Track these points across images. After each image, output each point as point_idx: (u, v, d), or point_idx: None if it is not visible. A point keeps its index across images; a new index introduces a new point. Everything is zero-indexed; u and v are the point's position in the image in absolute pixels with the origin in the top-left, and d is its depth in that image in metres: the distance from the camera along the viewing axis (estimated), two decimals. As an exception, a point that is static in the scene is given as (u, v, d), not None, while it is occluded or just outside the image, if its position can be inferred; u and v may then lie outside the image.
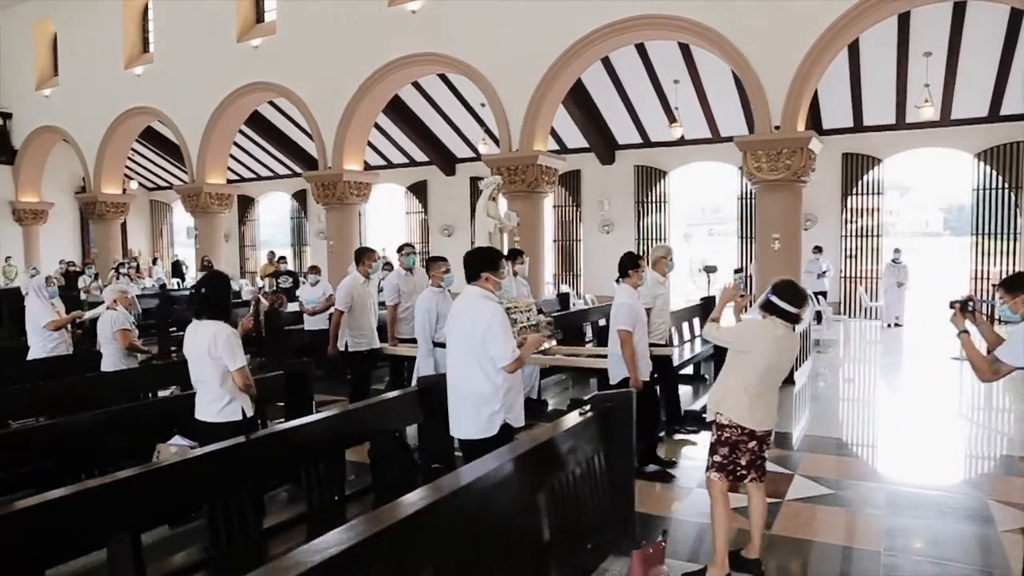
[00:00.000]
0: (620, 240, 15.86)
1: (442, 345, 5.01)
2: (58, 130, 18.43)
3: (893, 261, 13.20)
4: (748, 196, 14.79)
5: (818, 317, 12.74)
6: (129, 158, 20.64)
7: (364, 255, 6.76)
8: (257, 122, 17.70)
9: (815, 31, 10.07)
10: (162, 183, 22.70)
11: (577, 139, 15.94)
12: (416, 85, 15.29)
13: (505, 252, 7.22)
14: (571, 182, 16.71)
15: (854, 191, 14.16)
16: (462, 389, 3.68)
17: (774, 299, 3.49)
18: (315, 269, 9.78)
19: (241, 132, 18.41)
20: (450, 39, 12.68)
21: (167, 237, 23.66)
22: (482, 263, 3.71)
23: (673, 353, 6.70)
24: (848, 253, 14.33)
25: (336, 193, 14.39)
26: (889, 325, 13.13)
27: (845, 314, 14.32)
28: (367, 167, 19.39)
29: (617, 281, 5.27)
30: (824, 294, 12.87)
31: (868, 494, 4.65)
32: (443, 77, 14.59)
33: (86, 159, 17.92)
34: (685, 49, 12.62)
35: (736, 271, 5.19)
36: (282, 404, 5.13)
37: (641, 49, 13.05)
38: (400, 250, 7.71)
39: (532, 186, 12.42)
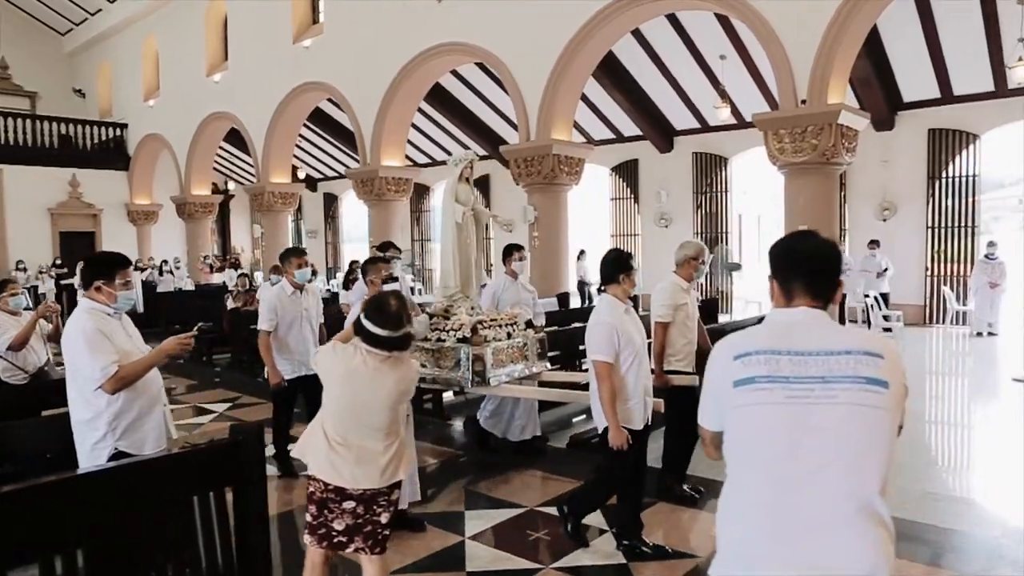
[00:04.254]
0: (678, 234, 14.48)
1: None
2: (160, 137, 19.94)
3: (987, 257, 10.96)
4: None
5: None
6: (226, 159, 22.04)
7: (286, 259, 5.26)
8: (323, 119, 18.06)
9: (845, -16, 8.44)
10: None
11: (633, 127, 14.80)
12: (460, 77, 14.89)
13: (474, 245, 6.23)
14: (628, 172, 15.58)
15: (944, 174, 11.91)
16: (72, 417, 3.19)
17: (361, 318, 2.67)
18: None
19: (315, 132, 18.99)
20: (471, 27, 12.14)
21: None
22: (94, 271, 3.17)
23: (698, 382, 4.89)
24: (936, 247, 12.09)
25: (374, 189, 14.30)
26: (980, 334, 10.90)
27: (932, 320, 12.12)
28: (434, 163, 19.42)
29: (600, 290, 3.88)
30: (885, 297, 10.93)
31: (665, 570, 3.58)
32: (482, 66, 14.04)
33: (179, 163, 19.25)
34: (723, 20, 11.18)
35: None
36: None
37: (677, 25, 11.77)
38: (383, 250, 6.57)
39: (549, 178, 11.58)
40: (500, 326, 5.19)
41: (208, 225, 20.17)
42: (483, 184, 18.50)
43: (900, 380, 1.62)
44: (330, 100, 16.65)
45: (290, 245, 21.60)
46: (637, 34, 12.16)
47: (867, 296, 10.80)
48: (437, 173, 19.73)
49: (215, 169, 22.79)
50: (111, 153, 21.38)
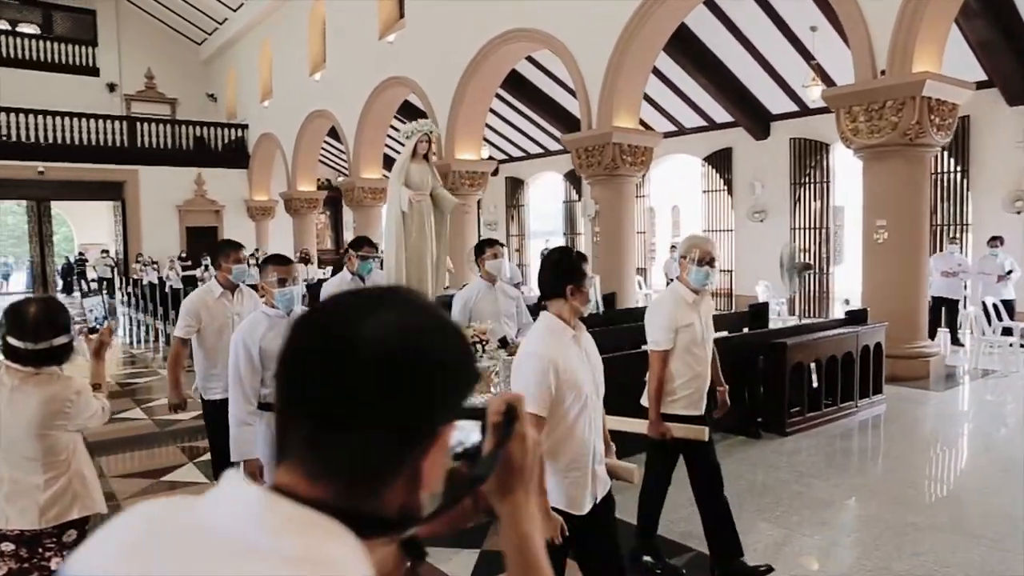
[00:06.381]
0: (774, 229, 13.13)
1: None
2: (272, 136, 20.94)
3: None
4: (944, 170, 11.08)
5: (953, 336, 9.22)
6: (335, 155, 22.77)
7: (221, 252, 4.36)
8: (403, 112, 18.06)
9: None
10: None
11: (726, 113, 13.51)
12: (539, 65, 14.32)
13: (431, 238, 5.43)
14: (721, 162, 14.26)
15: (1095, 156, 9.76)
16: None
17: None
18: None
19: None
20: (534, 10, 11.54)
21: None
22: None
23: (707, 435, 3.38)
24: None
25: (448, 184, 14.01)
26: None
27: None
28: (527, 156, 18.96)
29: (541, 306, 2.59)
30: (1009, 305, 9.10)
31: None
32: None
33: (287, 160, 20.12)
34: (809, -16, 9.81)
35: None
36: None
37: (758, -6, 10.49)
38: (356, 248, 5.39)
39: (610, 169, 10.74)
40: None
41: (312, 220, 20.90)
42: (576, 176, 17.75)
43: None
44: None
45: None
46: (715, 9, 11.02)
47: (984, 304, 9.05)
48: (531, 167, 19.28)
49: (328, 165, 23.73)
50: (234, 153, 22.77)
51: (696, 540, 3.62)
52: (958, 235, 10.74)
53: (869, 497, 4.38)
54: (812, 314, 12.24)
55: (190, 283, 14.48)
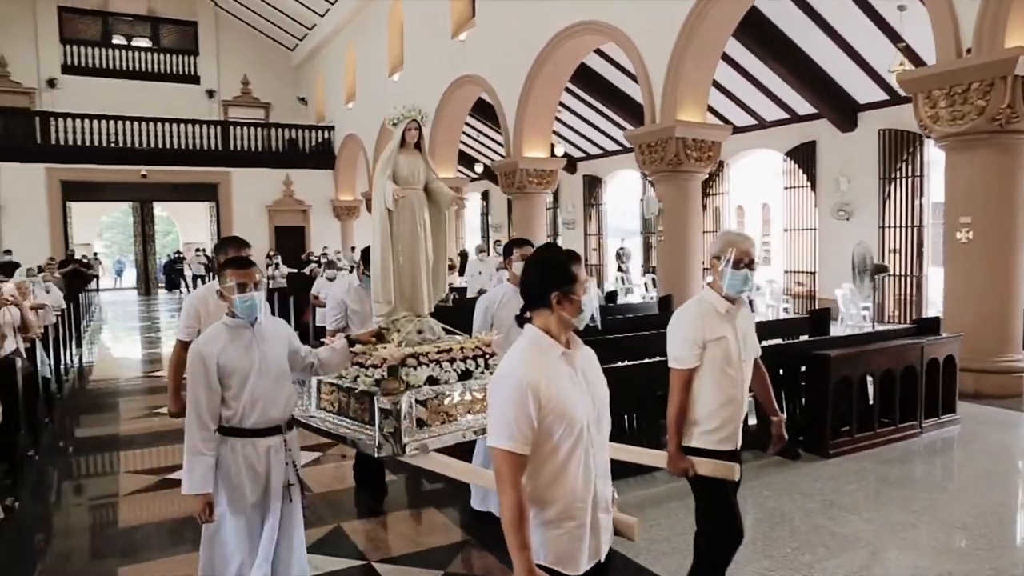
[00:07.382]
0: (859, 228, 12.09)
1: (239, 433, 2.91)
2: (356, 137, 21.42)
3: None
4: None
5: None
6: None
7: (222, 251, 3.88)
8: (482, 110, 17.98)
9: None
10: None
11: (808, 105, 12.60)
12: (610, 60, 13.87)
13: (425, 240, 4.69)
14: (804, 156, 13.32)
15: None
16: None
17: None
18: (332, 264, 9.70)
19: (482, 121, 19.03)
20: (599, 3, 11.11)
21: (455, 230, 25.75)
22: None
23: (738, 472, 2.79)
24: None
25: (516, 182, 13.86)
26: None
27: None
28: (605, 153, 18.49)
29: (524, 319, 2.07)
30: None
31: None
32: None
33: (368, 160, 20.52)
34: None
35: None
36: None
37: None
38: (365, 262, 4.61)
39: (674, 164, 10.21)
40: (451, 361, 3.65)
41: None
42: (650, 174, 17.16)
43: None
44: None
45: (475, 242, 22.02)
46: (791, -8, 10.26)
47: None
48: (609, 164, 18.80)
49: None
50: (321, 154, 23.48)
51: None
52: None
53: (905, 538, 3.79)
54: (901, 320, 11.19)
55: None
